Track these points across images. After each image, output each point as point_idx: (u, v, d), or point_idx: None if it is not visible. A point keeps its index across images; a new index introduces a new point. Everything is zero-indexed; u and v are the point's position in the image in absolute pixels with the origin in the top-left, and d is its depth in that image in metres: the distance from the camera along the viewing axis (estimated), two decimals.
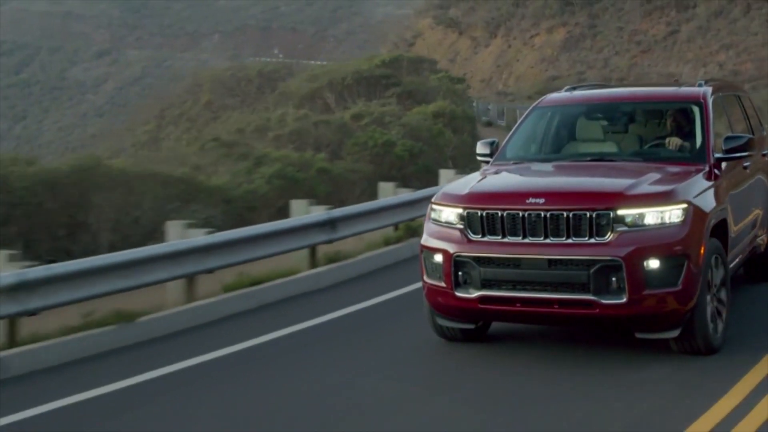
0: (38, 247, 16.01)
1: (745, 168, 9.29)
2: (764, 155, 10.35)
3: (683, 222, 7.42)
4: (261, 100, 68.79)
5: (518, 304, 7.60)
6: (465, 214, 7.82)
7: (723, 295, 8.08)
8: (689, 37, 72.85)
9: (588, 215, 7.36)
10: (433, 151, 31.66)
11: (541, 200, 7.51)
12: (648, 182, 7.80)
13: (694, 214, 7.52)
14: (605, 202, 7.41)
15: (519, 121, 9.81)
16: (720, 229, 8.13)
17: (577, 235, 7.38)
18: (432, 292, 8.13)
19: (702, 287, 7.56)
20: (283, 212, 16.71)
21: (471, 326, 8.31)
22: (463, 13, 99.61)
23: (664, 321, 7.45)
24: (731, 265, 8.70)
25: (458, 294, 7.79)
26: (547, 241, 7.45)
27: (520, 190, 8.00)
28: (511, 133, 9.63)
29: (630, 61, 73.81)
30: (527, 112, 9.82)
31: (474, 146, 10.06)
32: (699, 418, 6.28)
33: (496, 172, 8.82)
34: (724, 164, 8.60)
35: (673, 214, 7.39)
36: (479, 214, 7.73)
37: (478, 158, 9.45)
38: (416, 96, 46.52)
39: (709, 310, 7.68)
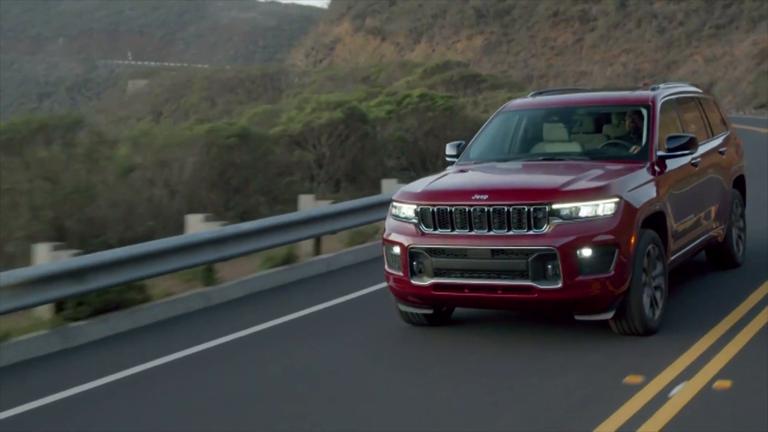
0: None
1: (694, 165, 9.89)
2: (721, 152, 11.05)
3: (615, 214, 8.10)
4: (265, 96, 77.31)
5: (466, 290, 8.38)
6: (419, 209, 8.59)
7: (660, 279, 8.71)
8: (594, 43, 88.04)
9: (526, 209, 8.08)
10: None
11: (485, 196, 8.25)
12: (586, 178, 8.44)
13: (626, 207, 8.18)
14: (542, 197, 8.12)
15: (485, 125, 10.60)
16: (657, 222, 8.78)
17: (517, 227, 8.11)
18: (393, 280, 8.89)
19: (636, 273, 8.22)
20: None
21: (429, 311, 9.04)
22: (382, 22, 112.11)
23: (598, 303, 8.14)
24: (679, 254, 9.48)
25: (414, 282, 8.59)
26: (491, 233, 8.19)
27: (467, 187, 8.71)
28: (476, 135, 10.43)
29: (546, 63, 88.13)
30: (493, 115, 10.71)
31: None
32: (635, 395, 6.76)
33: (456, 172, 9.62)
34: (669, 162, 9.23)
35: (605, 207, 8.10)
36: (431, 209, 8.50)
37: (447, 158, 10.27)
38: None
39: (645, 293, 8.37)
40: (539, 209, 8.04)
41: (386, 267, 8.95)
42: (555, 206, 8.03)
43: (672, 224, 9.04)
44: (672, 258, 9.19)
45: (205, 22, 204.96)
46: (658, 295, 8.62)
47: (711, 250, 11.00)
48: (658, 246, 8.65)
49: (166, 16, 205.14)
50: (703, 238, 10.22)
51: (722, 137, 11.33)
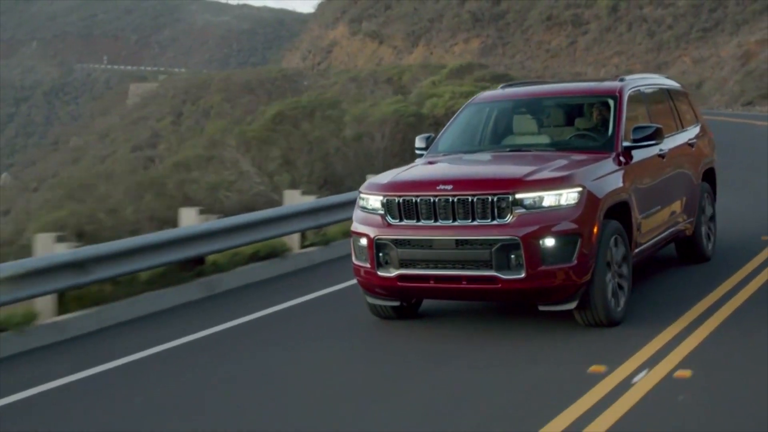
0: None
1: (662, 157, 9.76)
2: (690, 145, 10.89)
3: (578, 204, 8.06)
4: (286, 96, 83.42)
5: (432, 281, 8.33)
6: (385, 201, 8.55)
7: (624, 271, 8.64)
8: (587, 46, 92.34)
9: (490, 199, 8.04)
10: None
11: (450, 187, 8.22)
12: (550, 168, 8.39)
13: (589, 197, 8.12)
14: (505, 187, 8.07)
15: (453, 117, 10.60)
16: (622, 212, 8.71)
17: (481, 217, 8.07)
18: (359, 272, 8.82)
19: (599, 263, 8.17)
20: None
21: (396, 303, 8.96)
22: (378, 26, 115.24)
23: (561, 293, 8.09)
24: (645, 246, 9.36)
25: (380, 273, 8.53)
26: (456, 223, 8.16)
27: (432, 178, 8.65)
28: (445, 127, 10.43)
29: (543, 64, 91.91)
30: (462, 108, 10.66)
31: None
32: (598, 384, 6.79)
33: (424, 164, 9.56)
34: (635, 153, 9.17)
35: (568, 196, 8.07)
36: (396, 200, 8.45)
37: (416, 151, 10.22)
38: None
39: (608, 284, 8.31)
40: (503, 199, 8.01)
41: (354, 259, 8.91)
42: (518, 196, 8.01)
43: (637, 215, 8.96)
44: (637, 250, 9.11)
45: (179, 25, 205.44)
46: (622, 285, 8.58)
47: (680, 244, 10.91)
48: (623, 237, 8.60)
49: (140, 19, 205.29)
50: (670, 230, 10.13)
51: (692, 130, 11.22)
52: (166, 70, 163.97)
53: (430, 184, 8.49)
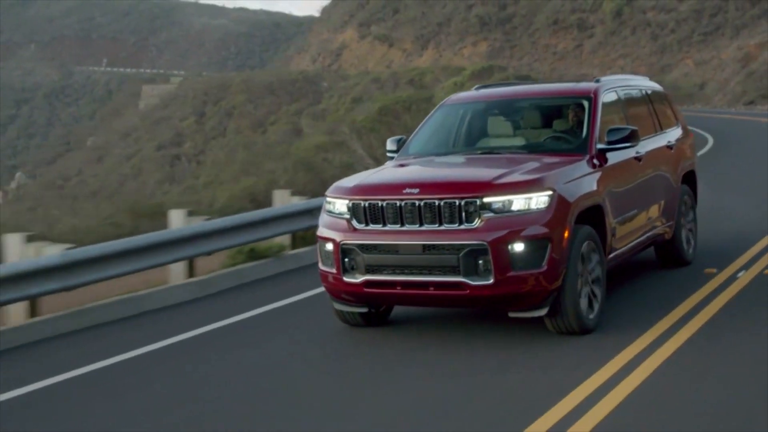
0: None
1: (638, 159, 9.45)
2: (669, 147, 10.52)
3: (548, 208, 7.77)
4: (306, 98, 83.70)
5: (398, 287, 8.04)
6: (351, 205, 8.25)
7: (598, 276, 8.33)
8: (593, 49, 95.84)
9: (457, 203, 7.76)
10: None
11: (416, 190, 7.94)
12: (521, 171, 8.09)
13: (560, 200, 7.83)
14: (473, 190, 7.79)
15: (426, 119, 10.27)
16: (595, 217, 8.41)
17: (448, 221, 7.79)
18: (326, 278, 8.53)
19: (570, 269, 7.86)
20: None
21: (364, 309, 8.65)
22: (387, 30, 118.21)
23: (531, 300, 7.79)
24: (621, 251, 9.06)
25: (346, 279, 8.23)
26: (422, 228, 7.87)
27: (399, 181, 8.31)
28: (417, 129, 10.10)
29: (550, 67, 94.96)
30: (435, 109, 10.38)
31: None
32: (566, 396, 6.52)
33: (394, 167, 9.26)
34: (610, 155, 8.88)
35: (538, 200, 7.78)
36: (362, 204, 8.16)
37: (387, 154, 9.93)
38: None
39: (580, 290, 8.00)
40: (470, 203, 7.75)
41: (320, 264, 8.63)
42: (486, 199, 7.74)
43: (611, 220, 8.68)
44: (612, 254, 8.83)
45: (176, 28, 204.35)
46: (595, 292, 8.30)
47: (659, 248, 10.64)
48: (596, 242, 8.32)
49: (138, 22, 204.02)
50: (648, 234, 9.85)
51: (672, 132, 10.95)
52: (166, 72, 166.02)
53: (396, 187, 8.19)
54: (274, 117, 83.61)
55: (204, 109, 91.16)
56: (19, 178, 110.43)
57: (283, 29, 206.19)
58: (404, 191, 8.06)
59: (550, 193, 7.88)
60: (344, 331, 9.06)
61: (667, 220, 10.41)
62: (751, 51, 77.88)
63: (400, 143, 9.92)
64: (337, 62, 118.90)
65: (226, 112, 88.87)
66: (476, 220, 7.82)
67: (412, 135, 10.06)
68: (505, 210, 7.81)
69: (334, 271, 8.43)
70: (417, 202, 7.97)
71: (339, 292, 8.55)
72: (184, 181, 64.92)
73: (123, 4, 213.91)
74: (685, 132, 11.48)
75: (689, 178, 11.27)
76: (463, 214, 7.84)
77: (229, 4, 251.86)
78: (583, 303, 8.11)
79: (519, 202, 7.83)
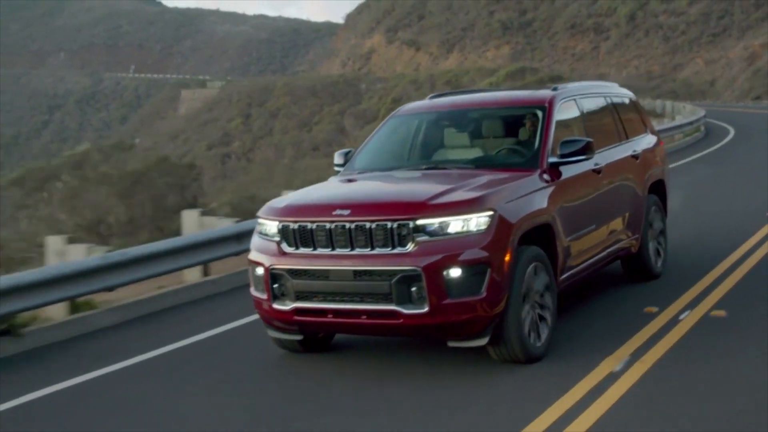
0: None
1: (597, 172, 8.75)
2: (635, 156, 9.82)
3: (487, 229, 7.12)
4: (347, 99, 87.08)
5: (330, 315, 7.41)
6: (281, 227, 7.64)
7: (547, 301, 7.64)
8: (609, 50, 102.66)
9: (389, 225, 7.15)
10: None
11: (347, 212, 7.32)
12: (461, 189, 7.44)
13: (501, 221, 7.17)
14: (405, 212, 7.17)
15: (375, 130, 9.57)
16: (544, 236, 7.75)
17: (381, 245, 7.18)
18: (258, 304, 7.94)
19: (514, 294, 7.20)
20: None
21: (298, 337, 8.00)
22: (413, 35, 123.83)
23: (471, 329, 7.13)
24: (576, 270, 8.35)
25: (275, 306, 7.63)
26: (354, 252, 7.26)
27: (329, 202, 7.68)
28: (364, 142, 9.44)
29: (569, 67, 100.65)
30: (384, 120, 9.68)
31: None
32: (533, 422, 6.02)
33: (338, 182, 8.66)
34: (564, 169, 8.20)
35: (478, 221, 7.14)
36: (291, 226, 7.55)
37: (335, 168, 9.24)
38: None
39: (526, 316, 7.33)
40: (403, 225, 7.13)
41: (252, 290, 8.05)
42: (420, 222, 7.12)
43: (563, 239, 8.00)
44: (566, 275, 8.17)
45: (200, 35, 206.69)
46: (544, 317, 7.63)
47: (626, 261, 10.03)
48: (544, 263, 7.65)
49: (163, 30, 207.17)
50: (609, 250, 9.19)
51: (639, 141, 10.32)
52: (192, 77, 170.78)
53: (326, 208, 7.57)
54: (317, 117, 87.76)
55: (249, 110, 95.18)
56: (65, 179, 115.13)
57: (302, 35, 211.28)
58: (334, 213, 7.41)
59: (490, 213, 7.20)
60: (281, 357, 8.33)
61: (633, 232, 9.76)
62: (756, 50, 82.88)
63: (348, 156, 9.30)
64: (366, 66, 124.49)
65: (271, 113, 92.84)
66: (409, 244, 7.17)
67: (359, 148, 9.39)
68: (440, 233, 7.16)
69: (264, 297, 7.80)
70: (347, 225, 7.32)
71: (270, 319, 7.93)
72: (235, 177, 66.78)
73: (148, 13, 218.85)
74: (655, 140, 10.83)
75: (658, 188, 10.57)
76: (396, 237, 7.20)
77: (249, 12, 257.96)
78: (530, 329, 7.45)
79: (456, 223, 7.18)
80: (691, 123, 35.17)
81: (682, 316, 8.58)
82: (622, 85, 11.07)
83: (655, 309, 8.88)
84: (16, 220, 32.19)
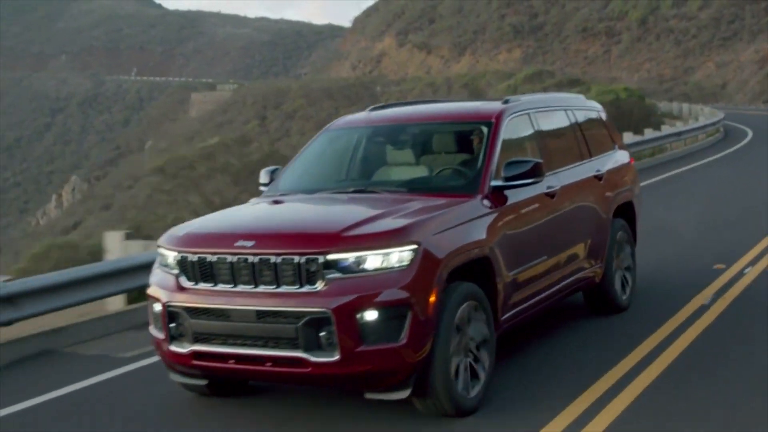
0: None
1: (551, 195, 7.84)
2: (598, 177, 8.90)
3: (410, 265, 6.19)
4: (362, 102, 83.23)
5: (232, 361, 6.46)
6: (179, 258, 6.71)
7: (483, 344, 6.71)
8: (621, 53, 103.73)
9: (297, 260, 6.19)
10: None
11: (251, 243, 6.39)
12: (385, 218, 6.52)
13: (425, 255, 6.24)
14: (316, 244, 6.22)
15: (304, 147, 8.60)
16: (481, 271, 6.81)
17: (289, 283, 6.22)
18: (157, 344, 6.95)
19: (441, 339, 6.26)
20: None
21: (203, 382, 7.07)
22: (424, 38, 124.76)
23: (389, 379, 6.21)
24: (524, 307, 7.39)
25: (173, 348, 6.68)
26: (258, 290, 6.32)
27: (233, 231, 6.74)
28: (293, 159, 8.47)
29: (581, 70, 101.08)
30: (315, 136, 8.69)
31: None
32: None
33: (254, 205, 7.77)
34: (509, 193, 7.25)
35: (400, 256, 6.20)
36: (191, 258, 6.62)
37: (260, 188, 8.31)
38: None
39: (455, 364, 6.39)
40: (312, 260, 6.15)
41: (150, 327, 7.03)
42: (331, 257, 6.14)
43: (505, 273, 7.00)
44: (512, 312, 7.18)
45: (202, 38, 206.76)
46: (481, 360, 6.67)
47: (588, 293, 9.00)
48: (481, 302, 6.67)
49: (164, 33, 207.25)
50: (566, 281, 8.16)
51: (604, 159, 9.26)
52: (195, 80, 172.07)
53: (228, 238, 6.57)
54: (334, 119, 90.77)
55: (264, 113, 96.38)
56: (74, 182, 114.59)
57: (304, 37, 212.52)
58: (236, 244, 6.46)
59: (413, 247, 6.24)
60: (194, 400, 7.36)
61: (596, 260, 8.77)
62: (767, 54, 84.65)
63: (274, 174, 8.34)
64: (377, 69, 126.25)
65: (287, 115, 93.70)
66: (319, 281, 6.20)
67: (287, 166, 8.42)
68: (355, 269, 6.19)
69: (162, 337, 6.81)
70: (250, 258, 6.37)
71: (169, 362, 6.98)
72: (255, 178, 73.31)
73: (149, 16, 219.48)
74: (626, 157, 9.86)
75: (626, 211, 9.56)
76: (304, 273, 6.23)
77: (250, 14, 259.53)
78: (460, 378, 6.50)
79: (374, 259, 6.21)
80: (714, 124, 38.86)
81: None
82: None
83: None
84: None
